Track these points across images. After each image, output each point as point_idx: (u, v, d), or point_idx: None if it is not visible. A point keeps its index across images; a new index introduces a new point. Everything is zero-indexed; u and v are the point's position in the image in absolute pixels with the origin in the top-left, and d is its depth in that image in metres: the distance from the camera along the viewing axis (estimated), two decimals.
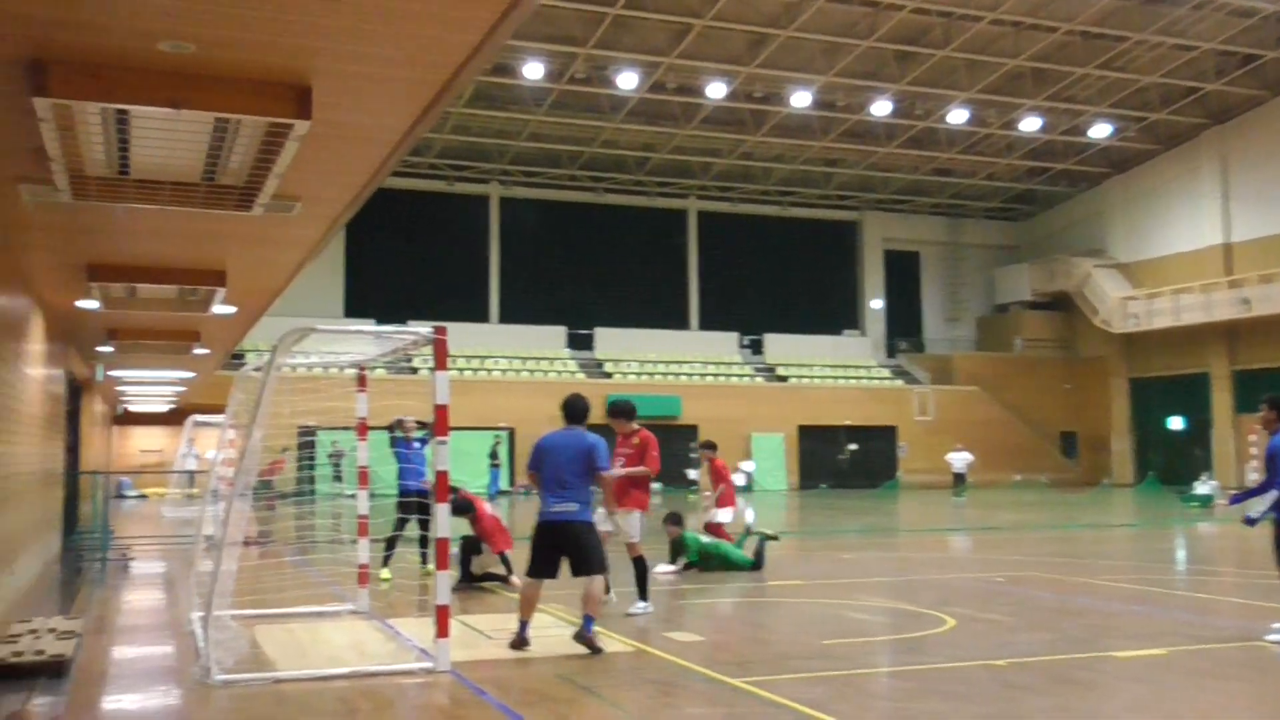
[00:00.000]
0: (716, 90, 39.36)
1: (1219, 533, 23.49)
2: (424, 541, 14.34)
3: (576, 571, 9.43)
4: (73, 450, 19.58)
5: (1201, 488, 31.17)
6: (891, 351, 53.55)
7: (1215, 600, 13.12)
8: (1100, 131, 45.01)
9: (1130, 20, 35.89)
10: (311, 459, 28.41)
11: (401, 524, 14.30)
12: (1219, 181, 45.19)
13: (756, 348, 50.84)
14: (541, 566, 9.36)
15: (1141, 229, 49.07)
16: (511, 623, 11.02)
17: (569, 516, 9.24)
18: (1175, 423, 46.76)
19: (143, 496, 38.19)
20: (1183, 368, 46.37)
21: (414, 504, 13.99)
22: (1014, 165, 49.20)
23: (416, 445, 14.60)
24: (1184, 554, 19.73)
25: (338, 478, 31.14)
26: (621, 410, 11.65)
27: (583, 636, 9.20)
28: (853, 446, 47.52)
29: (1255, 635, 9.82)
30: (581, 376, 45.55)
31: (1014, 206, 55.52)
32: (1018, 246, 55.88)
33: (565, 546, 9.31)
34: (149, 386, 27.87)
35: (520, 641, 9.30)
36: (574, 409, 9.74)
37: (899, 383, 50.12)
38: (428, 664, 8.54)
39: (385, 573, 13.94)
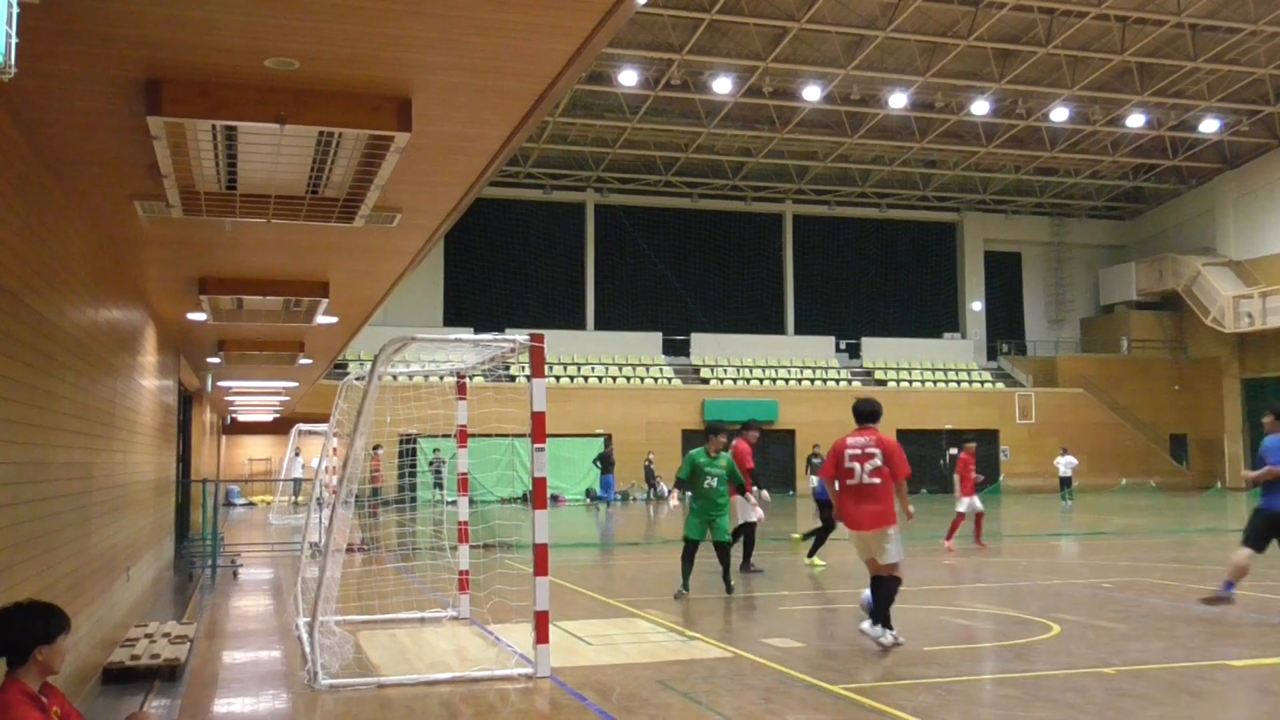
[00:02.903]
0: (813, 93, 39.09)
1: None
2: (822, 538, 17.03)
3: None
4: (184, 459, 20.13)
5: None
6: (992, 354, 52.64)
7: None
8: (1211, 126, 43.73)
9: (1243, 11, 34.84)
10: (413, 466, 28.79)
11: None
12: None
13: (854, 351, 50.37)
14: (1258, 543, 11.13)
15: (1255, 225, 47.57)
16: (610, 629, 11.07)
17: None
18: None
19: (250, 504, 39.15)
20: None
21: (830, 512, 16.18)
22: (1120, 163, 48.05)
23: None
24: None
25: (438, 484, 31.56)
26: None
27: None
28: (953, 451, 46.74)
29: None
30: (678, 383, 45.58)
31: (1120, 205, 54.24)
32: (1124, 245, 54.57)
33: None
34: (255, 396, 28.54)
35: (1221, 599, 11.06)
36: None
37: (1000, 386, 49.25)
38: (528, 669, 8.61)
39: (817, 560, 16.59)
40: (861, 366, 49.47)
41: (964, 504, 19.88)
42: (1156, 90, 39.87)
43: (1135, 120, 42.53)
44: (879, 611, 9.70)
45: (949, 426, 46.46)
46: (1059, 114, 41.68)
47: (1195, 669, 8.81)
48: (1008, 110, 41.79)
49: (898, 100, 39.98)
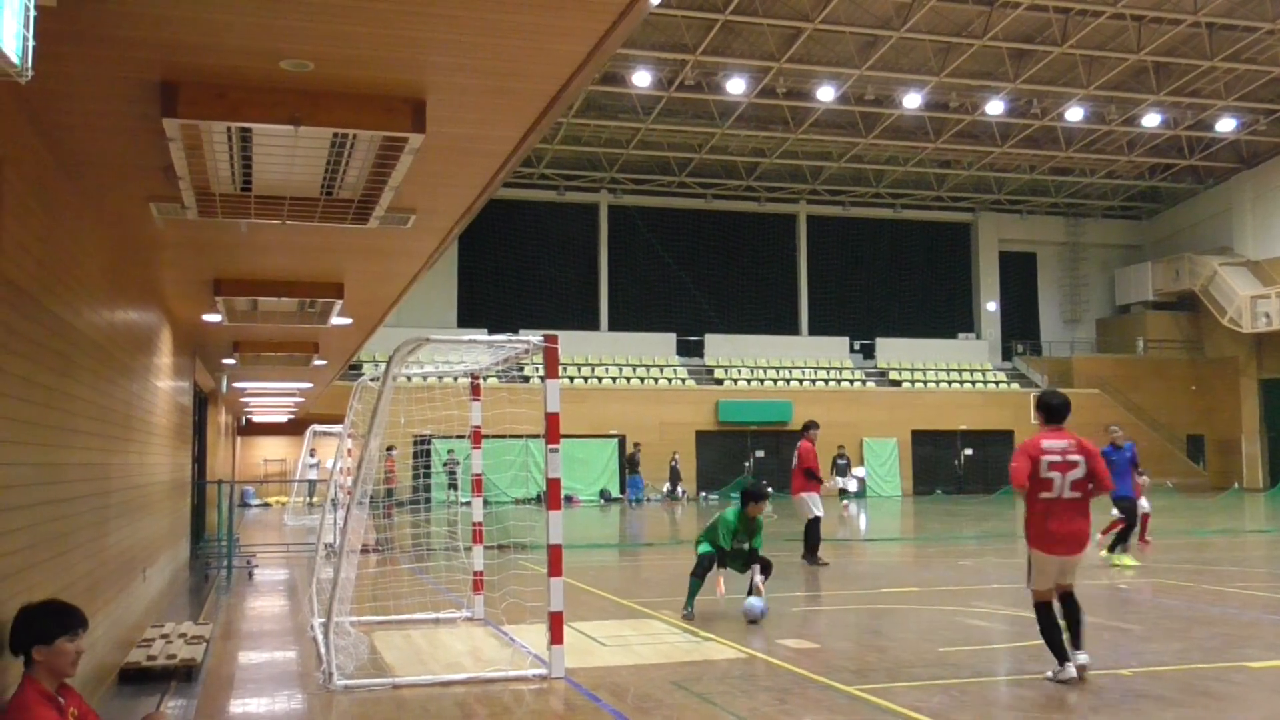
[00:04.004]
0: (827, 94, 39.03)
1: None
2: (1125, 535, 16.88)
3: None
4: (199, 460, 20.19)
5: None
6: (1008, 354, 52.48)
7: None
8: (1227, 126, 43.51)
9: (1260, 10, 34.64)
10: (427, 467, 28.84)
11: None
12: None
13: (868, 352, 50.28)
14: None
15: (1272, 225, 47.35)
16: (624, 630, 11.06)
17: None
18: None
19: (265, 505, 39.26)
20: None
21: (1126, 505, 16.76)
22: (1136, 163, 47.85)
23: (1125, 452, 17.02)
24: None
25: (453, 485, 31.62)
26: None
27: None
28: (968, 452, 46.65)
29: None
30: (692, 384, 45.56)
31: (1136, 205, 54.03)
32: (1140, 245, 54.35)
33: None
34: (270, 397, 28.62)
35: None
36: None
37: (1015, 386, 49.09)
38: (543, 670, 8.62)
39: (1127, 559, 16.64)
40: (876, 367, 49.39)
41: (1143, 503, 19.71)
42: (1173, 89, 39.69)
43: (1151, 120, 42.36)
44: (1079, 635, 8.44)
45: (963, 427, 46.36)
46: (1074, 114, 41.53)
47: (1213, 670, 8.77)
48: (1023, 110, 41.67)
49: (912, 100, 39.88)
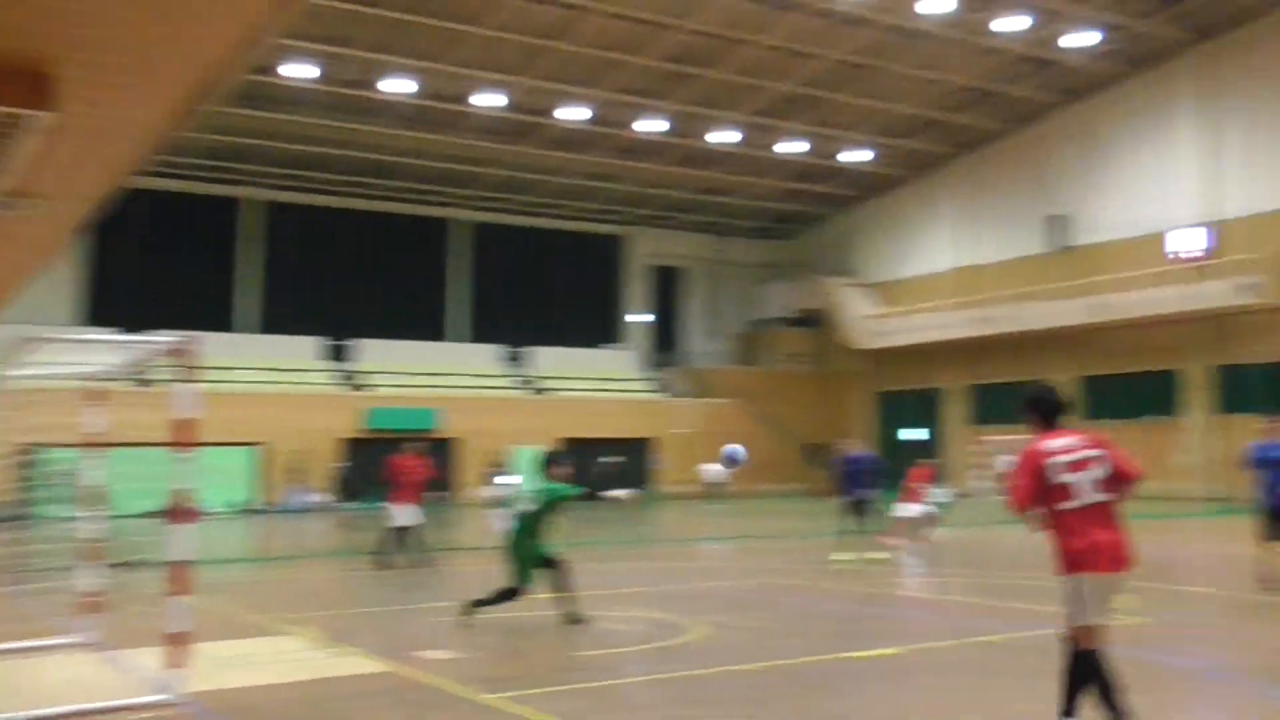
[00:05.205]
0: (489, 100, 39.21)
1: (963, 538, 24.72)
2: None
3: None
4: None
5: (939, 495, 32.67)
6: (653, 365, 54.41)
7: (948, 601, 13.84)
8: (855, 157, 47.14)
9: (892, 52, 37.77)
10: (35, 479, 26.43)
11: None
12: (956, 207, 48.46)
13: (520, 360, 50.71)
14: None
15: (888, 251, 51.75)
16: (258, 648, 10.57)
17: None
18: (914, 433, 49.28)
19: None
20: (921, 382, 49.30)
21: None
22: (777, 186, 50.86)
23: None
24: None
25: (66, 499, 29.24)
26: None
27: None
28: (620, 459, 47.93)
29: (980, 632, 10.42)
30: (337, 389, 44.34)
31: (775, 226, 57.32)
32: (778, 265, 57.77)
33: None
34: None
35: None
36: None
37: (659, 396, 50.97)
38: (165, 696, 8.02)
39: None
40: (526, 375, 49.85)
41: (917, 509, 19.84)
42: (811, 120, 42.59)
43: (793, 147, 45.26)
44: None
45: (609, 435, 47.54)
46: (724, 136, 43.79)
47: (823, 662, 9.38)
48: (679, 129, 43.38)
49: (573, 113, 40.74)
